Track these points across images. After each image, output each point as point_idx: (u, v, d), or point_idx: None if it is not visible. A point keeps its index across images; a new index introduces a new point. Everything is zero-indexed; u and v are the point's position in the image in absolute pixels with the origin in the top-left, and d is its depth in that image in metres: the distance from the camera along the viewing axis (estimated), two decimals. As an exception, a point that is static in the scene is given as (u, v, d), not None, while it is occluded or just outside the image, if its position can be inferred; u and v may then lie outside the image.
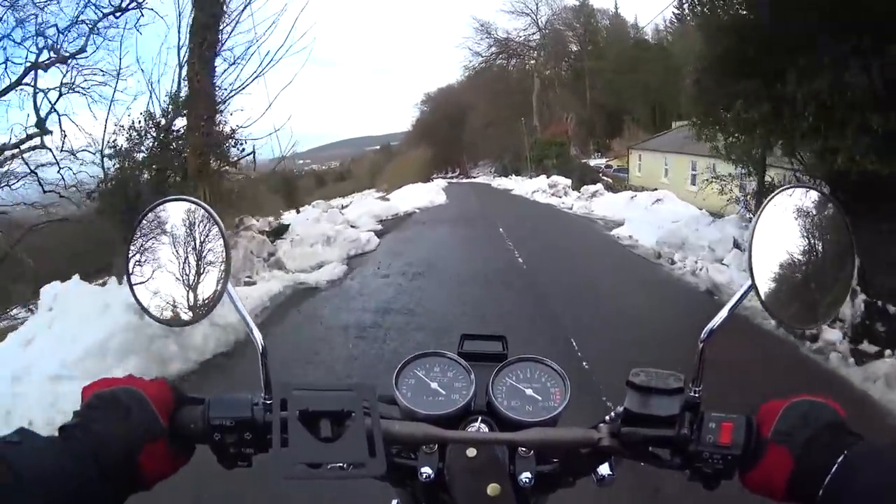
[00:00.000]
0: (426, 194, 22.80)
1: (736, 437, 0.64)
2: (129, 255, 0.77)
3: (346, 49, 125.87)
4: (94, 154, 9.09)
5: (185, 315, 0.77)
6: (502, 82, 48.79)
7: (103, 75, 9.29)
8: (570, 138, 37.10)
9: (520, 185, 29.10)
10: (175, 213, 0.77)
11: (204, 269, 0.76)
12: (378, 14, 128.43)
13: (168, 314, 0.76)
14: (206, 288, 0.76)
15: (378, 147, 75.24)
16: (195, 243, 0.77)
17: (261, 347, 0.72)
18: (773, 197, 0.71)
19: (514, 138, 41.66)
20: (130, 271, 0.76)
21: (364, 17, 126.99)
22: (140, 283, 0.77)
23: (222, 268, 0.76)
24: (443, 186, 32.67)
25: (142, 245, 0.77)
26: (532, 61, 47.79)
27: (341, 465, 0.60)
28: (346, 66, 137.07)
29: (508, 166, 40.80)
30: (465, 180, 47.24)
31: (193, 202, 0.77)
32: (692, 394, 0.68)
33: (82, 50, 9.15)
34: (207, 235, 0.77)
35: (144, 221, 0.77)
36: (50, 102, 9.31)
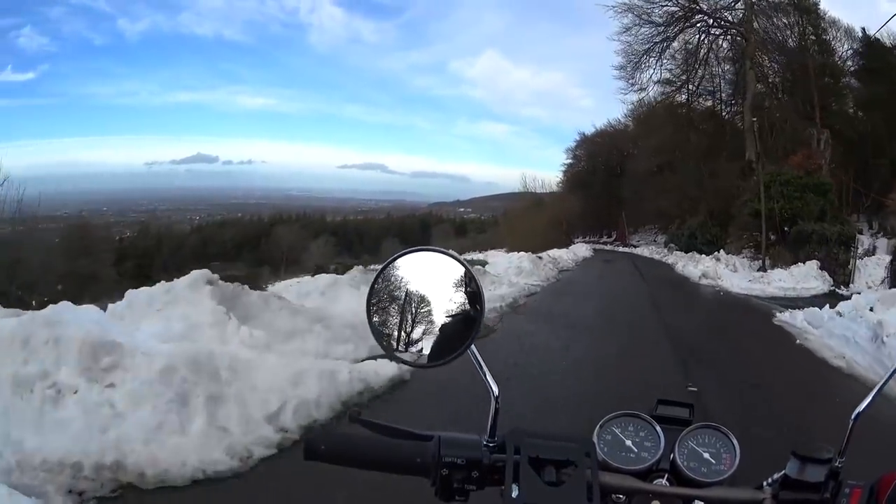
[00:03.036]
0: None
1: (860, 503, 0.73)
2: (372, 296, 0.79)
3: (515, 104, 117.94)
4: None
5: (422, 359, 0.79)
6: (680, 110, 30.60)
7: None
8: (828, 178, 17.95)
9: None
10: (426, 262, 0.79)
11: (450, 318, 0.78)
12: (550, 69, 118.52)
13: (408, 355, 0.79)
14: (451, 335, 0.78)
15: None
16: (441, 293, 0.78)
17: (494, 394, 0.77)
18: None
19: (700, 189, 24.10)
20: (372, 311, 0.79)
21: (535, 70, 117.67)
22: (380, 321, 0.79)
23: (469, 317, 0.77)
24: (569, 264, 16.53)
25: (387, 288, 0.79)
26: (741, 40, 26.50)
27: None
28: (515, 120, 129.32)
29: (699, 233, 22.41)
30: (621, 249, 32.92)
31: (446, 253, 0.79)
32: (836, 464, 0.75)
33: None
34: (456, 286, 0.78)
35: (391, 267, 0.79)
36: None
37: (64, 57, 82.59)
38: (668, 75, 29.85)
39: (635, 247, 33.00)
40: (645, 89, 29.83)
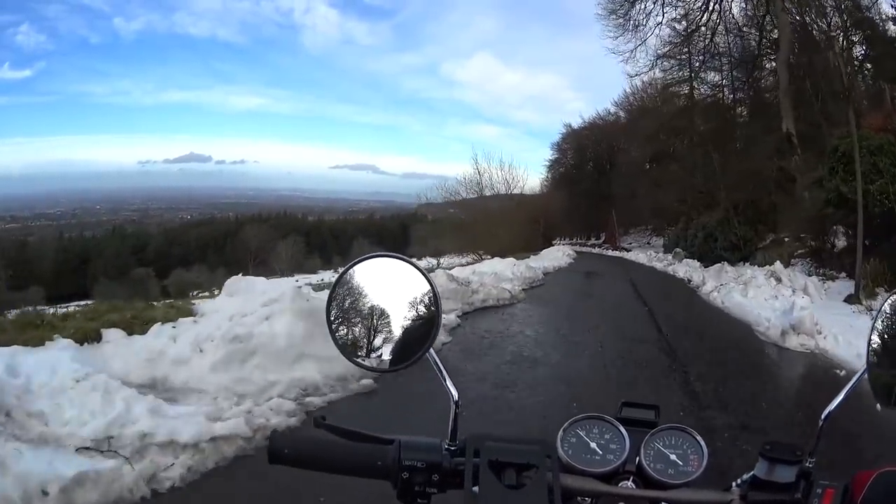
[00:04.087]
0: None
1: (834, 502, 0.72)
2: (332, 304, 0.78)
3: (506, 107, 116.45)
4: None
5: (384, 364, 0.79)
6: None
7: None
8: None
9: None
10: (382, 268, 0.78)
11: (409, 323, 0.77)
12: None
13: (370, 360, 0.79)
14: (412, 340, 0.77)
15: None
16: (399, 298, 0.77)
17: (454, 399, 0.77)
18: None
19: (714, 179, 18.25)
20: (332, 318, 0.79)
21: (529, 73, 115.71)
22: (340, 329, 0.79)
23: (428, 321, 0.77)
24: (510, 292, 10.53)
25: (346, 295, 0.78)
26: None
27: None
28: (507, 122, 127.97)
29: (719, 234, 16.08)
30: (611, 253, 27.25)
31: (403, 259, 0.77)
32: (807, 464, 0.75)
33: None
34: (413, 291, 0.77)
35: (349, 273, 0.78)
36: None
37: (59, 55, 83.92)
38: (667, 48, 23.68)
39: (627, 250, 26.99)
40: (642, 27, 22.78)
